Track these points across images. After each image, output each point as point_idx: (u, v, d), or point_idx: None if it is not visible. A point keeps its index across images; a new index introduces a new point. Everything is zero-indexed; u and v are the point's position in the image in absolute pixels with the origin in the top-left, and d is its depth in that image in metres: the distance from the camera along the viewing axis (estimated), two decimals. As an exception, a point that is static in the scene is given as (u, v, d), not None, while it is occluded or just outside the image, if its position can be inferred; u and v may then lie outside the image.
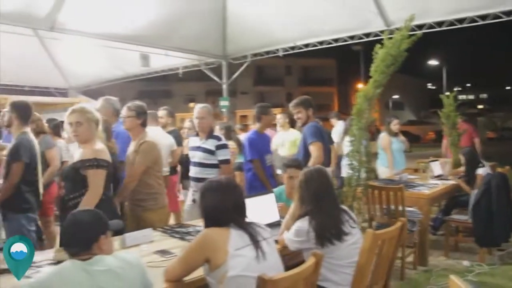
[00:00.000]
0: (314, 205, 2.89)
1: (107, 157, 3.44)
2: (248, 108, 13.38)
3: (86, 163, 3.30)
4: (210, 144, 4.70)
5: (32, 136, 4.28)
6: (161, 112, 6.48)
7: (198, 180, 4.64)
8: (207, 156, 4.68)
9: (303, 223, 2.85)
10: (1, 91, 12.12)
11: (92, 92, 16.45)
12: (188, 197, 4.94)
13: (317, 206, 2.88)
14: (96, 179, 3.30)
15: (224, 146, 4.73)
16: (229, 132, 6.71)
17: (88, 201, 3.24)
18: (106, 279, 1.92)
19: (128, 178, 3.96)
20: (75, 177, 3.36)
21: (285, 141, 6.75)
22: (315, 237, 2.78)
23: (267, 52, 11.99)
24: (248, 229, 2.34)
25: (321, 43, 10.73)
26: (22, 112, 4.26)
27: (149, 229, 3.33)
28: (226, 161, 4.70)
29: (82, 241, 2.00)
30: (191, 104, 14.37)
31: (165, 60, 12.38)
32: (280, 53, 11.63)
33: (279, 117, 7.08)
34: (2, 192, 4.07)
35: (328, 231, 2.79)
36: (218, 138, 4.76)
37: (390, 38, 4.40)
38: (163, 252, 2.91)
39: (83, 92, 15.97)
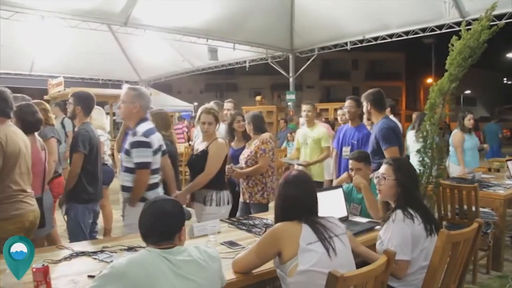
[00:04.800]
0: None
1: None
2: (314, 102, 13.29)
3: None
4: (128, 141, 3.69)
5: (92, 127, 4.25)
6: (228, 104, 6.48)
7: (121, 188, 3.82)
8: (124, 157, 3.69)
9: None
10: (78, 84, 12.79)
11: (161, 85, 16.96)
12: None
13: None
14: None
15: (139, 144, 3.56)
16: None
17: None
18: (189, 269, 1.93)
19: None
20: None
21: None
22: None
23: (335, 46, 11.82)
24: (320, 224, 2.31)
25: (391, 36, 10.44)
26: (86, 104, 4.23)
27: (217, 220, 3.37)
28: (141, 165, 3.57)
29: (166, 231, 2.00)
30: (258, 98, 14.44)
31: (233, 54, 12.52)
32: (348, 47, 11.42)
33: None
34: (66, 182, 4.12)
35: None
36: (134, 133, 3.62)
37: (469, 29, 4.18)
38: (230, 244, 2.94)
39: (153, 85, 16.50)
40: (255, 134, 4.90)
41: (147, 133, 3.60)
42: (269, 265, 2.40)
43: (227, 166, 4.50)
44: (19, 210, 3.29)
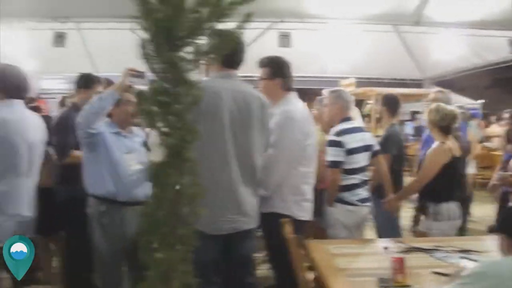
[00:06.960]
0: None
1: None
2: None
3: None
4: None
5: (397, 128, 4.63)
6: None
7: None
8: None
9: None
10: (366, 84, 13.46)
11: (446, 82, 16.35)
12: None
13: None
14: None
15: (331, 143, 3.78)
16: None
17: None
18: None
19: None
20: None
21: None
22: None
23: None
24: None
25: None
26: (392, 105, 4.75)
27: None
28: (330, 164, 3.76)
29: None
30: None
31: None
32: None
33: None
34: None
35: None
36: (332, 132, 3.84)
37: None
38: None
39: (437, 83, 16.02)
40: None
41: (340, 133, 3.77)
42: None
43: (498, 173, 4.35)
44: None
